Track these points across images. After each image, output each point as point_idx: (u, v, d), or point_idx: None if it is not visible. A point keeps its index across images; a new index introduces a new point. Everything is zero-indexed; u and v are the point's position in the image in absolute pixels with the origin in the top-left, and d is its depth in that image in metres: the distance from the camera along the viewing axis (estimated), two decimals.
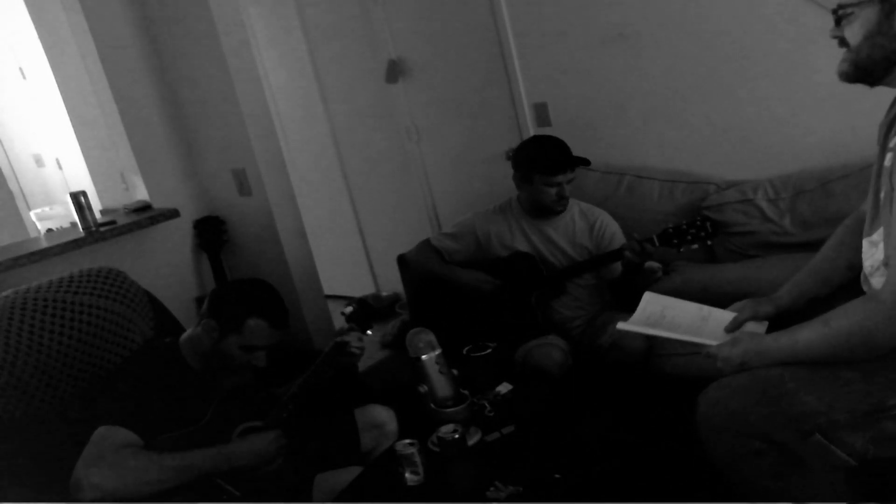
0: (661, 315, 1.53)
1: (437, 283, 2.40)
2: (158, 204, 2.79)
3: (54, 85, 3.00)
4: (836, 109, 2.20)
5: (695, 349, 1.44)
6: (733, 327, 1.46)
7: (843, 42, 1.25)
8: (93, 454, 1.44)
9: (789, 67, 2.26)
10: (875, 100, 1.33)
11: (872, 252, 1.27)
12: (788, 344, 1.28)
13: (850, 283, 1.38)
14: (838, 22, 1.25)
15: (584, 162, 2.23)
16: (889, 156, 1.22)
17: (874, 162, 1.31)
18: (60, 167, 4.50)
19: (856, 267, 1.37)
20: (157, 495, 1.45)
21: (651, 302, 1.57)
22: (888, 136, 1.25)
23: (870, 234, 1.29)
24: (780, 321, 1.47)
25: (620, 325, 1.52)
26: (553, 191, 2.22)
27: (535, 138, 2.38)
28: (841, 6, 1.24)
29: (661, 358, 2.07)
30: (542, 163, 2.21)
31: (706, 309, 1.53)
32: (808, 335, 1.25)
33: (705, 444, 1.32)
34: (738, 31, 2.32)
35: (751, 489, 1.29)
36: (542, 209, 2.29)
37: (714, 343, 1.39)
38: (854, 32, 1.22)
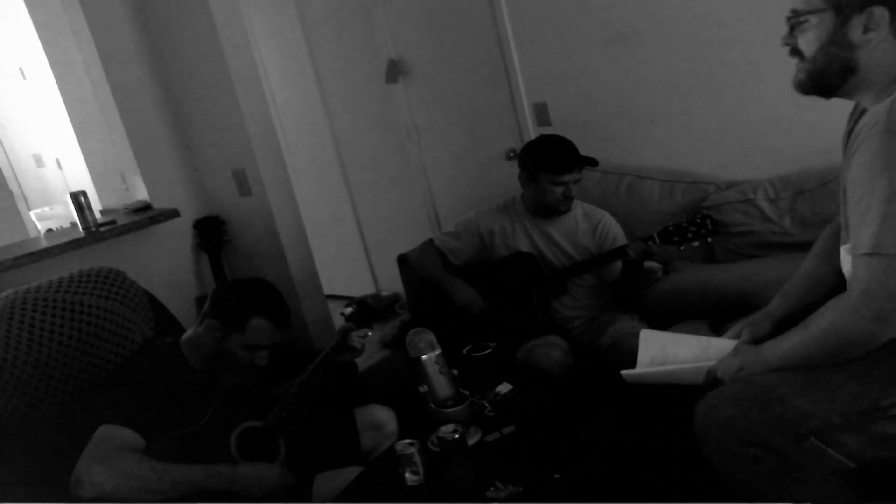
0: (663, 353, 1.53)
1: (437, 284, 2.40)
2: (158, 204, 2.79)
3: (54, 85, 2.99)
4: (835, 109, 2.19)
5: (697, 378, 1.44)
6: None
7: (795, 51, 1.26)
8: (95, 453, 1.44)
9: (789, 67, 2.26)
10: None
11: (849, 259, 1.28)
12: (779, 349, 1.29)
13: (839, 287, 1.38)
14: (792, 30, 1.25)
15: (592, 162, 2.23)
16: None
17: (841, 173, 1.31)
18: (60, 167, 4.50)
19: (841, 272, 1.38)
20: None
21: (650, 340, 1.57)
22: (848, 147, 1.26)
23: (846, 242, 1.30)
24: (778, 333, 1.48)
25: (625, 374, 1.52)
26: (559, 190, 2.22)
27: (543, 137, 2.37)
28: (795, 13, 1.23)
29: None
30: (550, 161, 2.21)
31: (705, 339, 1.53)
32: (794, 339, 1.27)
33: (704, 452, 1.32)
34: (738, 30, 2.32)
35: (750, 495, 1.29)
36: (546, 208, 2.29)
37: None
38: (808, 42, 1.22)
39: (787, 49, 2.33)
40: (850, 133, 1.27)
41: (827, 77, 1.23)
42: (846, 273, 1.33)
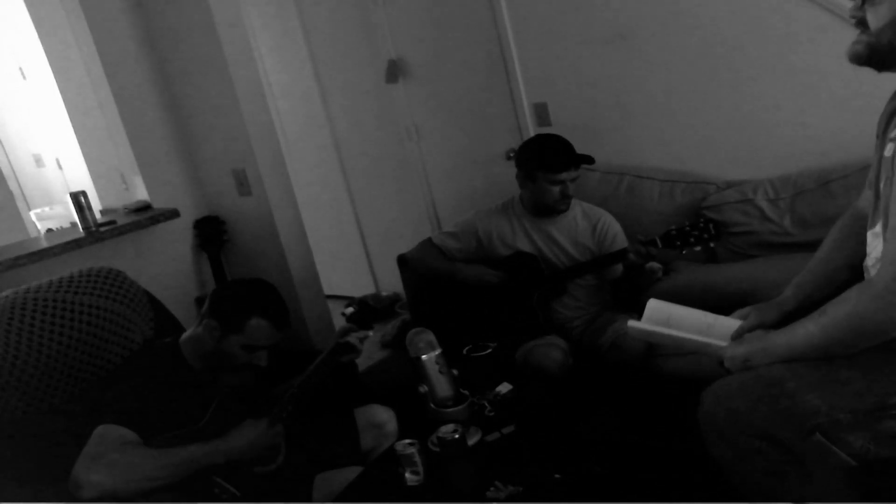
0: (666, 322, 1.53)
1: (437, 283, 2.40)
2: (158, 204, 2.79)
3: (54, 85, 3.00)
4: (835, 109, 2.20)
5: (699, 349, 1.43)
6: (739, 336, 1.44)
7: (861, 23, 1.20)
8: (92, 453, 1.44)
9: (789, 67, 2.26)
10: (876, 100, 1.32)
11: (876, 244, 1.27)
12: (789, 338, 1.27)
13: (852, 282, 1.38)
14: (863, 2, 1.19)
15: (588, 160, 2.23)
16: (890, 146, 1.21)
17: (873, 154, 1.30)
18: (60, 167, 4.50)
19: (856, 265, 1.37)
20: (156, 492, 1.45)
21: (656, 310, 1.56)
22: (888, 127, 1.24)
23: (873, 227, 1.28)
24: (785, 324, 1.47)
25: (631, 325, 1.52)
26: (556, 189, 2.22)
27: (539, 136, 2.38)
28: None
29: (661, 358, 2.07)
30: (546, 160, 2.21)
31: (711, 316, 1.51)
32: (806, 326, 1.25)
33: (706, 442, 1.32)
34: (738, 30, 2.32)
35: (751, 488, 1.29)
36: (544, 208, 2.29)
37: (722, 344, 1.39)
38: (879, 16, 1.16)
39: (785, 48, 2.34)
40: (891, 115, 1.25)
41: (888, 53, 1.17)
42: (869, 258, 1.30)
